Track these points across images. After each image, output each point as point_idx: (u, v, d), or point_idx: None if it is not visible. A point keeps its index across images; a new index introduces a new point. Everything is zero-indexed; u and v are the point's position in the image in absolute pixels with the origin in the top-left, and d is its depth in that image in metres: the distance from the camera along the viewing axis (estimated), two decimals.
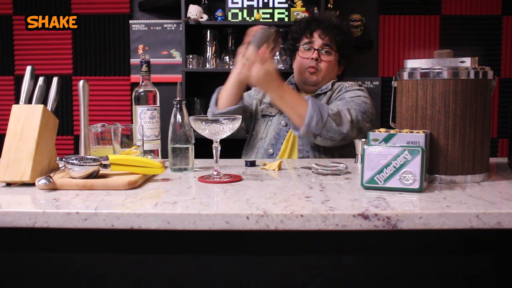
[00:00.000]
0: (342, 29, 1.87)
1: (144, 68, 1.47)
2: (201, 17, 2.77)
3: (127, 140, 1.33)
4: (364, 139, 1.43)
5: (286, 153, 1.78)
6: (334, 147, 1.68)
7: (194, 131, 1.25)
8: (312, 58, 1.80)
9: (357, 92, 1.77)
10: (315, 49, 1.81)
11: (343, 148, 1.71)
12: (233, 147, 1.96)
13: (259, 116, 1.89)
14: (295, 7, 2.82)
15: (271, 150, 1.79)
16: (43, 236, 0.96)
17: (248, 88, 1.84)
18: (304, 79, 1.83)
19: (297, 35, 1.89)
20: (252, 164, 1.42)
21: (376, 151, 1.05)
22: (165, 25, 3.13)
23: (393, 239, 0.95)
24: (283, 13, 2.82)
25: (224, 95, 1.74)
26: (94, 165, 1.11)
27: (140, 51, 3.14)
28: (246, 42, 1.59)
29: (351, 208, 0.89)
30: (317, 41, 1.82)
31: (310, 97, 1.65)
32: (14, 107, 1.18)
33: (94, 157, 1.13)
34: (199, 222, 0.86)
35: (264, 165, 1.40)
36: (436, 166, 1.13)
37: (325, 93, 1.83)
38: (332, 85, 1.83)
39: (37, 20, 3.11)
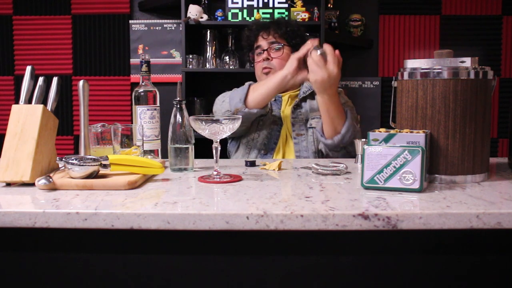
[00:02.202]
0: (280, 22, 1.91)
1: (144, 68, 1.47)
2: (201, 17, 2.77)
3: (127, 140, 1.33)
4: (364, 139, 1.43)
5: (280, 154, 1.78)
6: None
7: (194, 131, 1.25)
8: (263, 60, 1.84)
9: (344, 97, 1.84)
10: (264, 50, 1.85)
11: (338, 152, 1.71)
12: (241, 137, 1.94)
13: None
14: (295, 7, 2.82)
15: (263, 150, 1.79)
16: (43, 236, 0.96)
17: None
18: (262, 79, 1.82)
19: (249, 46, 1.94)
20: (252, 164, 1.42)
21: (376, 151, 1.05)
22: (165, 25, 3.13)
23: (393, 239, 0.95)
24: (283, 13, 2.81)
25: (258, 95, 1.67)
26: (94, 165, 1.11)
27: (140, 51, 3.14)
28: (309, 47, 1.53)
29: (351, 208, 0.89)
30: (262, 42, 1.86)
31: (348, 111, 1.65)
32: (14, 107, 1.18)
33: (94, 157, 1.13)
34: (199, 222, 0.86)
35: (264, 165, 1.40)
36: (436, 166, 1.13)
37: (312, 94, 1.83)
38: (306, 84, 1.85)
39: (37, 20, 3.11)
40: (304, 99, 1.84)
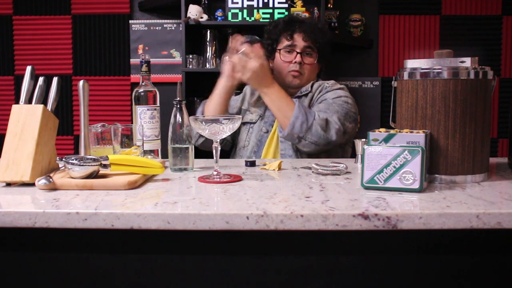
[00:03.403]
0: (323, 30, 1.86)
1: (144, 68, 1.47)
2: (201, 17, 2.77)
3: (127, 140, 1.33)
4: (364, 139, 1.43)
5: (270, 155, 1.76)
6: (318, 152, 1.66)
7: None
8: (295, 62, 1.78)
9: (338, 92, 1.75)
10: (297, 53, 1.79)
11: (327, 152, 1.69)
12: (233, 147, 1.96)
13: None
14: (295, 7, 2.82)
15: (253, 158, 1.76)
16: (43, 236, 0.96)
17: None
18: (288, 82, 1.81)
19: (276, 36, 1.85)
20: (252, 164, 1.42)
21: (376, 151, 1.05)
22: (165, 25, 3.13)
23: (393, 239, 0.95)
24: (283, 13, 2.81)
25: (211, 106, 1.72)
26: (94, 165, 1.11)
27: (140, 51, 3.14)
28: (233, 48, 1.60)
29: (351, 208, 0.89)
30: (300, 44, 1.80)
31: (298, 100, 1.66)
32: (14, 107, 1.18)
33: (94, 157, 1.13)
34: (199, 222, 0.86)
35: (264, 165, 1.40)
36: (436, 166, 1.13)
37: (306, 95, 1.81)
38: (311, 86, 1.82)
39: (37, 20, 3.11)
40: (299, 97, 1.81)
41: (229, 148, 1.90)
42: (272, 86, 1.61)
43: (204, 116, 1.17)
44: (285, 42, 1.82)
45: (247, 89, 1.92)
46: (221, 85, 1.70)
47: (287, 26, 1.83)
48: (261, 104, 1.81)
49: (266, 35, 1.89)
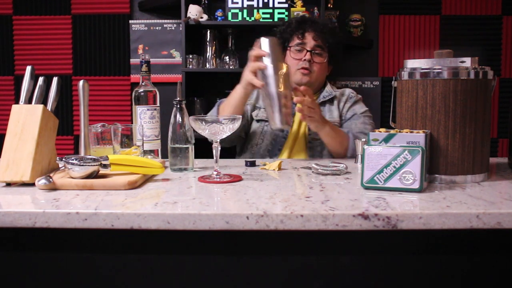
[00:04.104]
0: (334, 31, 1.89)
1: (144, 68, 1.47)
2: (201, 17, 2.77)
3: (127, 140, 1.33)
4: (364, 139, 1.44)
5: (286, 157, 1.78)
6: None
7: (194, 131, 1.25)
8: (305, 59, 1.81)
9: (363, 106, 1.89)
10: (307, 51, 1.82)
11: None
12: (233, 147, 1.96)
13: (253, 120, 1.86)
14: (295, 7, 2.82)
15: (267, 156, 1.77)
16: (43, 236, 0.96)
17: None
18: (297, 80, 1.82)
19: (288, 35, 1.87)
20: (252, 164, 1.42)
21: (376, 151, 1.05)
22: (165, 25, 3.13)
23: (393, 239, 0.95)
24: (283, 13, 2.81)
25: (228, 110, 1.66)
26: (94, 165, 1.11)
27: (140, 51, 3.14)
28: (259, 54, 1.48)
29: (351, 208, 0.89)
30: (310, 43, 1.83)
31: (349, 133, 1.72)
32: (14, 107, 1.18)
33: (94, 157, 1.13)
34: (199, 222, 0.86)
35: (264, 165, 1.40)
36: (436, 166, 1.13)
37: (331, 100, 1.86)
38: (327, 89, 1.88)
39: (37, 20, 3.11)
40: (323, 104, 1.85)
41: (241, 144, 1.88)
42: (327, 124, 1.62)
43: (204, 116, 1.17)
44: (296, 41, 1.85)
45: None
46: (240, 91, 1.59)
47: (299, 26, 1.86)
48: None
49: (279, 34, 1.91)
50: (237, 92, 1.60)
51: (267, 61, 1.46)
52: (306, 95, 1.53)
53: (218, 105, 1.76)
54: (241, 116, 1.22)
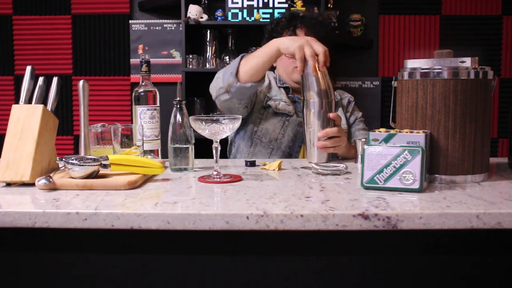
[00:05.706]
0: (325, 24, 1.85)
1: (144, 68, 1.47)
2: (201, 17, 2.77)
3: (127, 140, 1.33)
4: (364, 139, 1.44)
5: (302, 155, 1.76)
6: None
7: (194, 131, 1.25)
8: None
9: (359, 110, 1.93)
10: None
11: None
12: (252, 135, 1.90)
13: (267, 111, 1.78)
14: (295, 7, 2.82)
15: (288, 152, 1.74)
16: (43, 236, 0.96)
17: None
18: (295, 79, 1.80)
19: (278, 34, 1.80)
20: (252, 164, 1.42)
21: (376, 151, 1.05)
22: (165, 25, 3.13)
23: (393, 239, 0.95)
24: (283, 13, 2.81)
25: (250, 68, 1.51)
26: (94, 165, 1.11)
27: (140, 51, 3.14)
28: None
29: (351, 208, 0.89)
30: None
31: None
32: (14, 107, 1.18)
33: (94, 157, 1.13)
34: (199, 222, 0.86)
35: (264, 165, 1.40)
36: (436, 166, 1.13)
37: (336, 104, 1.85)
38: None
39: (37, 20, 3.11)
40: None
41: (245, 115, 1.76)
42: (348, 147, 1.57)
43: (204, 116, 1.17)
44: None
45: (270, 76, 1.88)
46: (273, 50, 1.46)
47: (289, 23, 1.82)
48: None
49: (267, 34, 1.85)
50: (267, 54, 1.47)
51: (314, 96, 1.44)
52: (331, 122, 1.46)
53: (240, 59, 1.57)
54: (241, 117, 1.21)
